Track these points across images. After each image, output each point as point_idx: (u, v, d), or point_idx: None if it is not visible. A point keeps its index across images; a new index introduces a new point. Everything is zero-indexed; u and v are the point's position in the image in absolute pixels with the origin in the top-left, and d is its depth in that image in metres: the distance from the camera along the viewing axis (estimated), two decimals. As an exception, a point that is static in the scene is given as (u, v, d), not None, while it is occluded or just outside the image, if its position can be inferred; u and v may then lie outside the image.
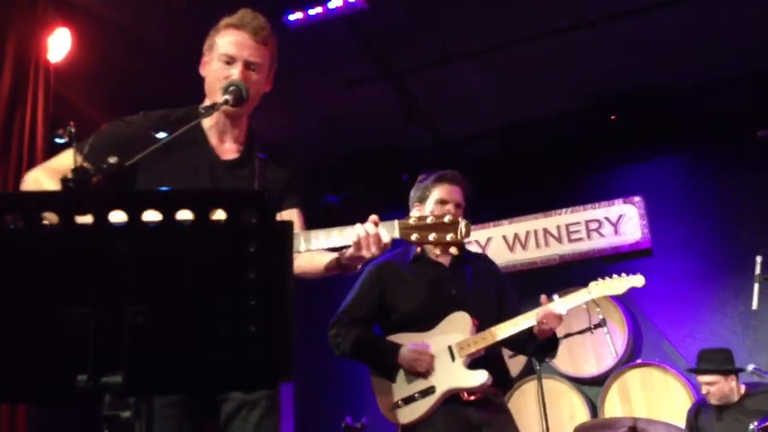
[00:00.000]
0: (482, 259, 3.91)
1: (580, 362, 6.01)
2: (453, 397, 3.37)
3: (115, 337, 1.37)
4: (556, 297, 3.44)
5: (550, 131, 6.50)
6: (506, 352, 3.80)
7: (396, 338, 3.53)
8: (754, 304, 4.38)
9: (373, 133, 6.48)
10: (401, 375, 3.47)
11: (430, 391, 3.39)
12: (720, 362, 4.89)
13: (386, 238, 2.28)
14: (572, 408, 5.90)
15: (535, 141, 6.56)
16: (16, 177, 4.25)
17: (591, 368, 6.04)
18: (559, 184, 6.66)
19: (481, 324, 3.46)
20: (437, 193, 3.60)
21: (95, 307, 1.37)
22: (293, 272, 2.09)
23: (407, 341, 3.48)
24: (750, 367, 4.70)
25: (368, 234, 2.25)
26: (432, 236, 2.29)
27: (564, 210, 6.58)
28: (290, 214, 2.55)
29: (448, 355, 3.42)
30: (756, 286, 4.40)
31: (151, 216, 1.33)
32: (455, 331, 3.45)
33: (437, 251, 3.59)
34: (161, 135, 2.12)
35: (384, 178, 6.64)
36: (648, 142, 6.30)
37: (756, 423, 4.18)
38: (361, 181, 6.78)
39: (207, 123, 2.56)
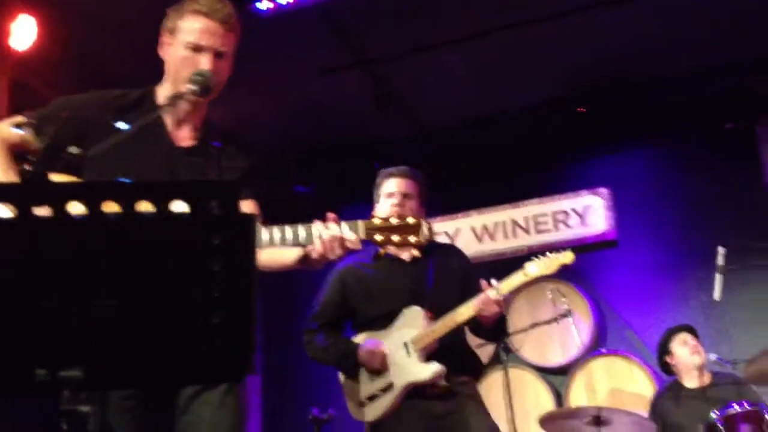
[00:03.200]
0: (448, 250, 3.95)
1: (545, 351, 6.06)
2: (417, 391, 3.43)
3: (77, 330, 1.36)
4: (494, 282, 3.48)
5: (519, 122, 6.50)
6: (475, 341, 3.83)
7: (359, 338, 3.64)
8: (716, 295, 4.45)
9: (346, 122, 6.43)
10: (364, 374, 3.56)
11: (389, 387, 3.47)
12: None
13: (353, 241, 2.27)
14: (537, 397, 5.95)
15: (504, 132, 6.57)
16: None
17: (556, 357, 6.09)
18: (527, 175, 6.68)
19: (437, 317, 3.51)
20: (384, 187, 3.68)
21: (56, 301, 1.36)
22: (256, 264, 2.08)
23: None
24: (713, 357, 4.78)
25: (333, 236, 2.24)
26: (395, 237, 2.29)
27: (532, 201, 6.61)
28: (245, 206, 2.44)
29: (404, 350, 3.50)
30: (718, 277, 4.47)
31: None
32: (410, 326, 3.53)
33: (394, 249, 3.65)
34: (122, 125, 2.08)
35: (356, 167, 6.61)
36: (615, 134, 6.33)
37: (718, 411, 4.25)
38: (333, 171, 6.75)
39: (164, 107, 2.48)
